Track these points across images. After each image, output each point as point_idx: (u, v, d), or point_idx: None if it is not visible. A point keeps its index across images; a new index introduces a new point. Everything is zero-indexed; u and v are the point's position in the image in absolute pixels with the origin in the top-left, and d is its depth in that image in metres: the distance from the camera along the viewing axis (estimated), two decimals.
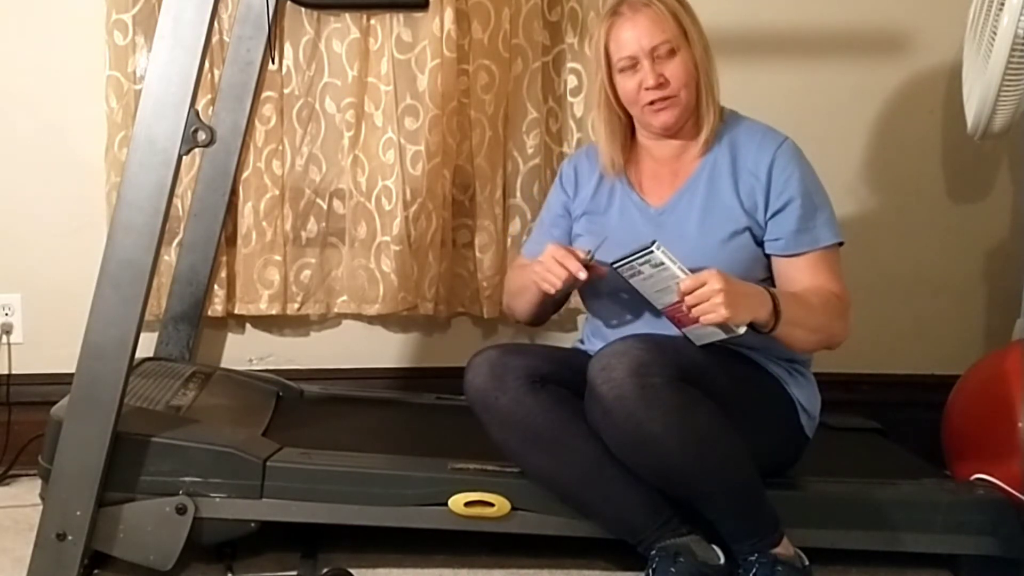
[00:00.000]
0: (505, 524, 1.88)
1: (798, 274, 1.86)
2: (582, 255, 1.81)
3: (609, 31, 1.87)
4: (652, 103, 1.87)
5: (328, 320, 2.59)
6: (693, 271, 1.70)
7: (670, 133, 1.93)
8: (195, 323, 2.43)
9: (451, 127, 2.47)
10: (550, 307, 2.03)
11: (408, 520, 1.87)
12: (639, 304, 1.87)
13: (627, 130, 1.98)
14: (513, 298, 2.06)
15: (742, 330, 1.69)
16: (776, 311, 1.73)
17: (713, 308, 1.66)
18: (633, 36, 1.84)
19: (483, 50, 2.46)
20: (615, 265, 1.77)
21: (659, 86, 1.85)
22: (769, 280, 1.90)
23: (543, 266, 1.83)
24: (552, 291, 1.84)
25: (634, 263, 1.73)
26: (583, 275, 1.80)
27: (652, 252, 1.70)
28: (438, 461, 1.92)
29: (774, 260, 1.89)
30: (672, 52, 1.84)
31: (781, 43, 2.58)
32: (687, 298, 1.68)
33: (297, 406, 2.31)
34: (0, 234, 2.45)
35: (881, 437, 2.40)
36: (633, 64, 1.86)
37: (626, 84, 1.88)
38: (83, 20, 2.40)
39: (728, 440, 1.74)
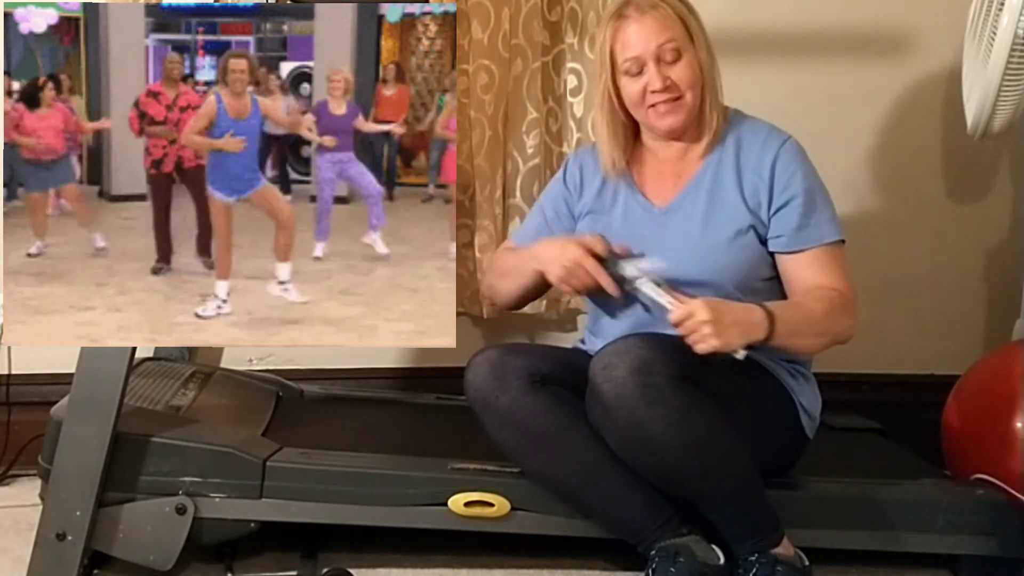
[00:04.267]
0: (505, 524, 1.88)
1: (803, 271, 1.86)
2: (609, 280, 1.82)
3: (615, 33, 1.87)
4: (657, 105, 1.87)
5: None
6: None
7: (675, 135, 1.93)
8: None
9: None
10: (534, 294, 2.02)
11: (408, 520, 1.87)
12: (640, 304, 1.87)
13: (629, 131, 1.98)
14: (500, 279, 2.05)
15: (741, 355, 1.69)
16: (771, 328, 1.72)
17: (703, 339, 1.66)
18: (640, 37, 1.84)
19: (483, 50, 2.46)
20: (624, 288, 1.81)
21: (665, 89, 1.85)
22: (776, 279, 1.90)
23: (567, 270, 1.82)
24: (568, 291, 1.89)
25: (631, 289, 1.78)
26: (617, 293, 1.82)
27: (637, 288, 1.74)
28: (438, 461, 1.92)
29: (778, 258, 1.89)
30: (678, 54, 1.84)
31: (781, 43, 2.58)
32: (679, 328, 1.69)
33: (297, 406, 2.31)
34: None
35: (881, 437, 2.40)
36: (639, 67, 1.85)
37: (631, 87, 1.88)
38: None
39: (729, 440, 1.74)
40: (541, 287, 1.96)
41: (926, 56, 2.60)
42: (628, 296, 1.87)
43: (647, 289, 1.73)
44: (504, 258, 2.08)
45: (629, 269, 1.82)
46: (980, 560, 1.93)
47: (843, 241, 1.89)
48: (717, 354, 1.67)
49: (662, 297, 1.72)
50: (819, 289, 1.84)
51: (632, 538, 1.82)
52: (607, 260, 1.82)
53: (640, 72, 1.86)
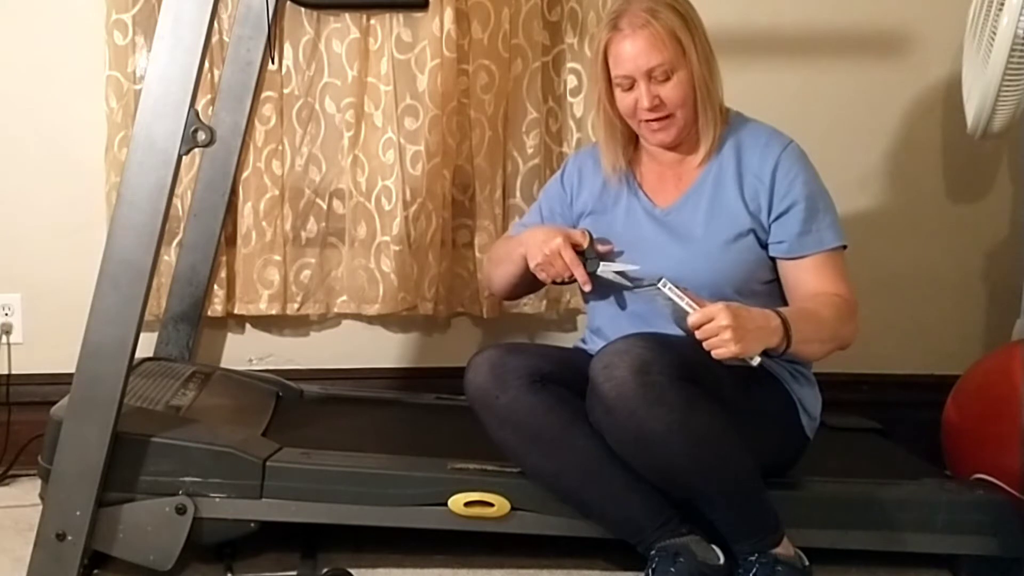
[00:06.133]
0: (505, 524, 1.88)
1: (804, 276, 1.86)
2: (586, 272, 1.84)
3: (608, 45, 1.86)
4: (648, 122, 1.87)
5: (328, 320, 2.59)
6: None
7: (669, 147, 1.93)
8: (195, 323, 2.43)
9: (451, 127, 2.47)
10: (527, 286, 2.04)
11: (408, 520, 1.87)
12: (641, 303, 1.87)
13: (628, 135, 1.97)
14: (494, 267, 2.07)
15: (756, 361, 1.68)
16: (787, 336, 1.72)
17: (722, 343, 1.65)
18: (630, 56, 1.83)
19: (483, 50, 2.46)
20: (632, 287, 1.80)
21: (654, 108, 1.85)
22: (775, 282, 1.90)
23: (546, 257, 1.84)
24: (544, 279, 1.90)
25: (648, 290, 1.75)
26: (588, 287, 1.85)
27: (659, 289, 1.71)
28: (438, 461, 1.91)
29: (779, 263, 1.89)
30: (668, 75, 1.83)
31: (781, 44, 2.58)
32: (696, 332, 1.67)
33: (297, 406, 2.31)
34: (0, 234, 2.45)
35: (881, 437, 2.40)
36: (630, 83, 1.85)
37: (624, 100, 1.88)
38: (83, 20, 2.40)
39: (729, 440, 1.74)
40: (530, 276, 1.96)
41: (926, 56, 2.60)
42: (628, 296, 1.88)
43: (667, 290, 1.71)
44: (499, 246, 2.11)
45: (603, 267, 1.84)
46: (980, 560, 1.93)
47: (845, 246, 1.89)
48: (731, 360, 1.67)
49: (682, 299, 1.70)
50: (823, 295, 1.84)
51: (632, 538, 1.82)
52: (586, 255, 1.84)
53: (631, 88, 1.86)
